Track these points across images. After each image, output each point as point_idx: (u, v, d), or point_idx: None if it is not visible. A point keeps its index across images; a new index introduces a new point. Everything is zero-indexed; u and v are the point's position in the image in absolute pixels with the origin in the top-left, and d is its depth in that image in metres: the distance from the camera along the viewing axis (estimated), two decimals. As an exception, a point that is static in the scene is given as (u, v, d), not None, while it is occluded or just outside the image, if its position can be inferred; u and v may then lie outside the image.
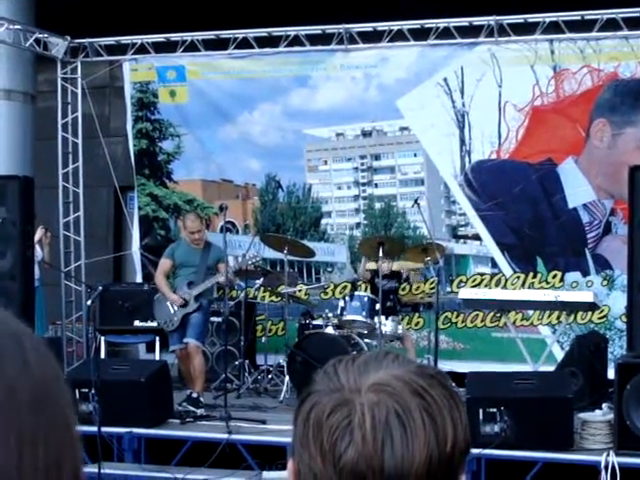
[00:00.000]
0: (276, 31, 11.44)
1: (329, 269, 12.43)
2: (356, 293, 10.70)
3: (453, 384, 1.32)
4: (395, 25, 11.04)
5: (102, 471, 7.74)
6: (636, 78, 10.79)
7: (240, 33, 11.54)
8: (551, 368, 9.63)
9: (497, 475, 7.98)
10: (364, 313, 10.39)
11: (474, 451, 7.44)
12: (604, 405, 8.41)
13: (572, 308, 9.99)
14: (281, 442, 8.24)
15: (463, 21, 10.87)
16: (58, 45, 11.83)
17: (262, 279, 11.13)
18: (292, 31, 11.27)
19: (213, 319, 11.10)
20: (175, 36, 11.70)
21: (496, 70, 11.15)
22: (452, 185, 11.66)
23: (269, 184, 12.48)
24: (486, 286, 11.40)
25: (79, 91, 12.08)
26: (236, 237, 12.44)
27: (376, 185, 12.59)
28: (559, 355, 10.45)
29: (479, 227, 11.54)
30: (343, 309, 10.48)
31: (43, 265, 11.87)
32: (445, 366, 10.12)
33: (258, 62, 11.96)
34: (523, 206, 11.26)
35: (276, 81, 12.13)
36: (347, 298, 10.60)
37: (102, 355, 11.33)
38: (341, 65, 11.82)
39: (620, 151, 10.74)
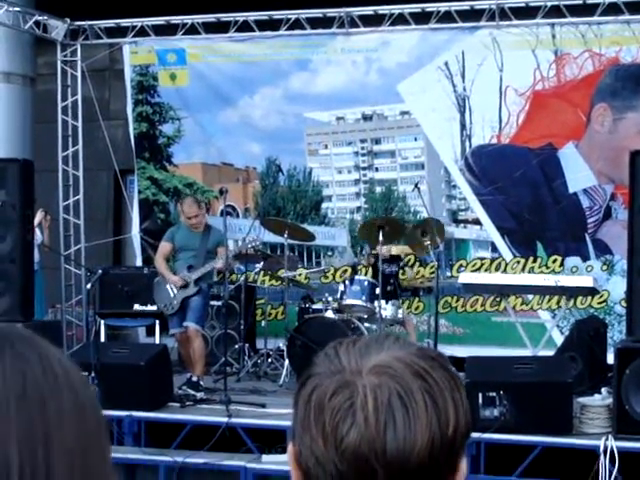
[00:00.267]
0: (277, 14, 11.40)
1: (329, 253, 12.43)
2: (356, 277, 10.69)
3: (453, 368, 1.31)
4: (396, 9, 11.01)
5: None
6: (637, 63, 10.77)
7: (241, 16, 11.50)
8: (551, 353, 9.64)
9: (496, 459, 8.00)
10: (364, 297, 10.39)
11: (473, 435, 7.45)
12: (603, 390, 8.42)
13: (572, 293, 10.00)
14: (281, 425, 8.25)
15: (464, 5, 10.84)
16: (58, 28, 11.79)
17: (262, 263, 11.13)
18: (293, 14, 11.24)
19: (213, 303, 11.10)
20: (175, 19, 11.67)
21: (497, 54, 11.12)
22: (452, 169, 11.65)
23: (269, 168, 12.47)
24: (486, 270, 11.41)
25: (79, 74, 12.05)
26: (236, 221, 12.43)
27: (376, 169, 12.58)
28: (559, 340, 10.46)
29: (479, 211, 11.53)
30: (343, 293, 10.47)
31: (43, 248, 11.88)
32: (445, 350, 10.08)
33: (259, 45, 11.93)
34: (523, 191, 11.25)
35: (277, 65, 12.10)
36: (347, 282, 10.59)
37: (102, 339, 11.34)
38: (342, 49, 11.79)
39: (621, 136, 10.73)
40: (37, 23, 11.56)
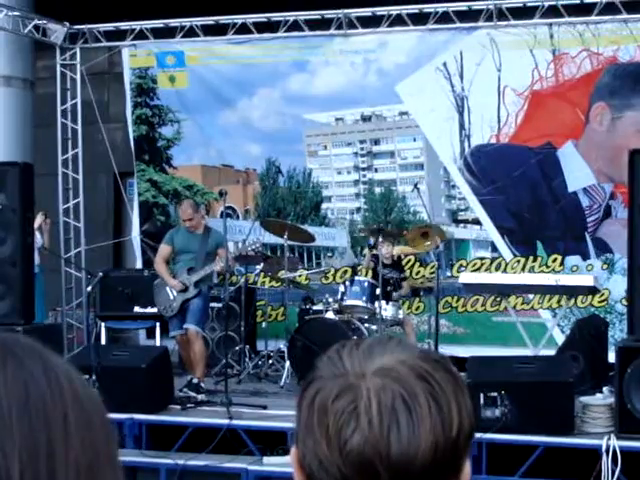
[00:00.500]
0: (275, 16, 11.41)
1: (329, 254, 12.43)
2: (356, 278, 10.68)
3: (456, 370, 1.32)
4: (394, 10, 11.02)
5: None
6: (635, 62, 10.77)
7: (239, 18, 11.52)
8: (552, 352, 9.63)
9: (498, 459, 7.99)
10: (364, 298, 10.39)
11: (475, 436, 7.45)
12: (605, 389, 8.42)
13: (572, 292, 9.98)
14: (282, 427, 8.25)
15: (462, 5, 10.85)
16: (57, 31, 11.80)
17: (262, 264, 11.13)
18: (291, 16, 11.25)
19: (213, 305, 11.09)
20: (174, 22, 11.68)
21: (495, 54, 11.13)
22: (452, 169, 11.65)
23: (269, 169, 12.48)
24: (486, 270, 11.40)
25: (78, 77, 12.06)
26: (236, 222, 12.44)
27: (376, 170, 12.59)
28: (560, 339, 10.46)
29: (479, 211, 11.54)
30: (343, 294, 10.47)
31: (43, 251, 11.89)
32: (446, 350, 10.09)
33: (257, 47, 11.94)
34: (523, 190, 11.25)
35: (275, 66, 12.11)
36: (347, 283, 10.59)
37: (102, 341, 11.33)
38: (340, 50, 11.80)
39: (619, 135, 10.73)
40: (36, 27, 11.57)
